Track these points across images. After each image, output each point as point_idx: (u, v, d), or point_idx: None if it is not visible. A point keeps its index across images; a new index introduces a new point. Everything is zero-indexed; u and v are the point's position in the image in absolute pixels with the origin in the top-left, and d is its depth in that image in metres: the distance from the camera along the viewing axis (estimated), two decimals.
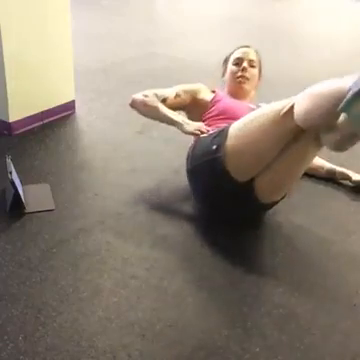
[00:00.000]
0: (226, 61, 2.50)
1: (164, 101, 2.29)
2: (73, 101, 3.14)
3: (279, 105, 1.86)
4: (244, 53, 2.44)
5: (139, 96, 2.28)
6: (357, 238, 2.08)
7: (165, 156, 2.65)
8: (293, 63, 4.32)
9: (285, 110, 1.82)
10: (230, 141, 1.94)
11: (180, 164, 2.28)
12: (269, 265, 1.88)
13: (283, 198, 2.08)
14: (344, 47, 5.03)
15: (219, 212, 2.13)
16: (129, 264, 1.83)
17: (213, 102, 2.34)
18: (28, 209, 2.09)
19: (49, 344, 1.47)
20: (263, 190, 1.96)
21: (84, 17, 5.53)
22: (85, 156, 2.66)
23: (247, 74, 2.39)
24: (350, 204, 2.31)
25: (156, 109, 2.24)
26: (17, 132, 2.81)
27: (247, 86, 2.41)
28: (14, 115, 2.78)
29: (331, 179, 2.45)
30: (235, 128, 1.96)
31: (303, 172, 2.02)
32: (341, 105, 1.57)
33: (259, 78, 2.48)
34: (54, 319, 1.56)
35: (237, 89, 2.42)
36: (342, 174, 2.45)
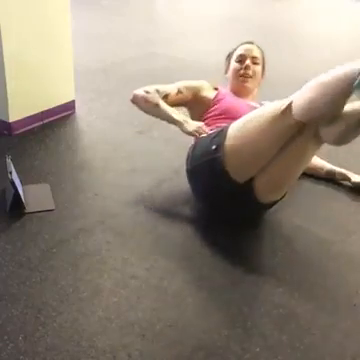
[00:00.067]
0: (229, 57, 2.47)
1: (166, 97, 2.28)
2: (73, 101, 3.14)
3: (277, 104, 1.87)
4: (247, 50, 2.41)
5: (140, 92, 2.27)
6: (357, 238, 2.08)
7: (165, 156, 2.65)
8: (293, 63, 4.32)
9: (283, 108, 1.82)
10: (229, 141, 1.94)
11: (180, 164, 2.28)
12: (269, 265, 1.88)
13: (283, 198, 2.08)
14: (344, 47, 5.03)
15: (219, 212, 2.13)
16: (129, 264, 1.83)
17: (215, 101, 2.33)
18: (28, 209, 2.09)
19: (49, 344, 1.47)
20: (262, 190, 1.96)
21: (84, 17, 5.53)
22: (85, 156, 2.66)
23: (250, 72, 2.37)
24: (350, 204, 2.31)
25: (157, 106, 2.23)
26: (17, 132, 2.81)
27: (250, 84, 2.39)
28: (14, 115, 2.78)
29: (331, 180, 2.45)
30: (234, 128, 1.96)
31: (302, 172, 2.02)
32: (355, 83, 1.57)
33: (262, 75, 2.46)
34: (54, 319, 1.56)
35: (240, 87, 2.40)
36: (342, 175, 2.45)
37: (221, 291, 1.74)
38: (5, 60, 2.63)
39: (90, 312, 1.60)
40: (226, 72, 2.48)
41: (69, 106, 3.10)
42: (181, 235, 2.01)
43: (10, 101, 2.73)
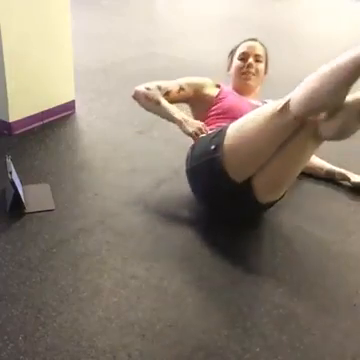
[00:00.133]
0: (232, 54, 2.45)
1: (167, 94, 2.27)
2: (73, 101, 3.14)
3: (275, 103, 1.87)
4: (250, 47, 2.39)
5: (141, 88, 2.27)
6: (357, 238, 2.08)
7: (165, 156, 2.65)
8: (293, 63, 4.32)
9: (281, 106, 1.83)
10: (228, 141, 1.94)
11: (180, 164, 2.28)
12: (269, 265, 1.88)
13: (282, 198, 2.08)
14: (344, 47, 5.01)
15: (219, 212, 2.13)
16: (129, 264, 1.83)
17: (217, 99, 2.32)
18: (28, 209, 2.09)
19: (49, 344, 1.47)
20: (261, 189, 1.96)
21: (84, 17, 5.54)
22: (85, 156, 2.66)
23: (252, 70, 2.35)
24: (350, 204, 2.31)
25: (157, 104, 2.23)
26: (17, 132, 2.81)
27: (252, 82, 2.38)
28: (14, 115, 2.78)
29: (331, 180, 2.45)
30: (233, 128, 1.96)
31: (300, 171, 2.02)
32: None
33: (266, 72, 2.44)
34: (54, 319, 1.56)
35: (242, 85, 2.39)
36: (341, 175, 2.45)
37: (221, 291, 1.74)
38: (5, 60, 2.63)
39: (90, 312, 1.60)
40: (228, 69, 2.47)
41: (69, 106, 3.10)
42: (181, 235, 2.01)
43: (10, 101, 2.73)
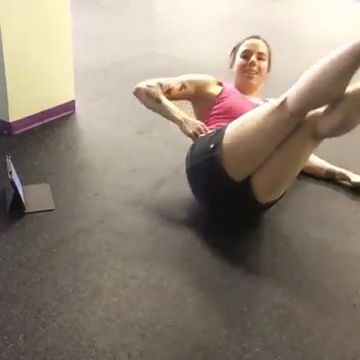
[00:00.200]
0: (234, 51, 2.44)
1: (169, 92, 2.27)
2: (73, 101, 3.14)
3: (274, 101, 1.88)
4: (253, 45, 2.37)
5: (143, 85, 2.27)
6: (357, 238, 2.08)
7: (165, 156, 2.65)
8: (293, 63, 4.32)
9: (278, 103, 1.83)
10: (226, 140, 1.94)
11: (180, 164, 2.27)
12: (269, 265, 1.88)
13: (281, 198, 2.08)
14: None
15: (219, 211, 2.13)
16: (129, 264, 1.83)
17: (219, 98, 2.32)
18: (28, 209, 2.09)
19: (49, 344, 1.47)
20: (260, 189, 1.95)
21: (84, 17, 5.54)
22: (85, 156, 2.66)
23: (255, 68, 2.34)
24: (350, 204, 2.31)
25: (158, 102, 2.22)
26: (17, 132, 2.81)
27: (255, 81, 2.37)
28: (14, 115, 2.78)
29: (331, 180, 2.45)
30: (232, 127, 1.96)
31: (299, 171, 2.02)
32: None
33: (268, 69, 2.43)
34: (54, 319, 1.56)
35: (244, 83, 2.38)
36: (341, 175, 2.45)
37: (221, 291, 1.74)
38: (5, 60, 2.63)
39: (90, 312, 1.60)
40: (231, 67, 2.45)
41: (69, 106, 3.10)
42: (181, 235, 2.01)
43: (10, 101, 2.73)
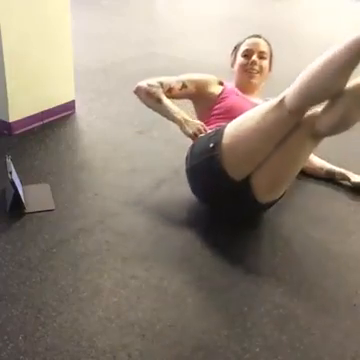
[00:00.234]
0: (236, 50, 2.43)
1: (169, 91, 2.26)
2: (73, 101, 3.14)
3: (272, 100, 1.88)
4: (254, 44, 2.37)
5: (144, 84, 2.26)
6: (357, 238, 2.08)
7: (165, 156, 2.65)
8: (293, 63, 4.32)
9: (276, 102, 1.84)
10: (226, 140, 1.94)
11: (180, 164, 2.28)
12: (269, 265, 1.88)
13: (281, 198, 2.08)
14: None
15: (219, 211, 2.13)
16: (129, 264, 1.83)
17: (220, 98, 2.31)
18: (28, 209, 2.09)
19: (49, 344, 1.47)
20: (260, 188, 1.95)
21: (84, 17, 5.54)
22: (85, 156, 2.66)
23: (256, 67, 2.34)
24: (350, 204, 2.31)
25: (159, 101, 2.22)
26: (17, 132, 2.81)
27: (256, 80, 2.36)
28: (14, 115, 2.78)
29: (331, 180, 2.45)
30: (231, 127, 1.96)
31: (299, 171, 2.01)
32: None
33: (270, 68, 2.43)
34: (54, 319, 1.56)
35: (245, 83, 2.38)
36: (341, 175, 2.44)
37: (221, 291, 1.74)
38: (5, 60, 2.63)
39: (90, 312, 1.60)
40: (232, 66, 2.45)
41: (69, 106, 3.10)
42: (181, 235, 2.01)
43: (10, 101, 2.73)
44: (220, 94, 2.33)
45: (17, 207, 2.07)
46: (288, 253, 1.96)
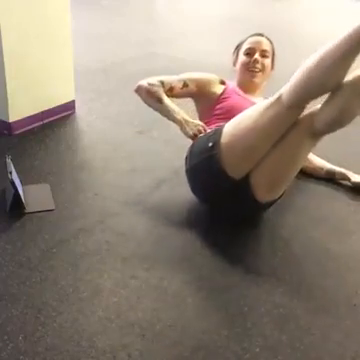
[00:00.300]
0: (237, 48, 2.42)
1: (170, 90, 2.26)
2: (73, 101, 3.14)
3: (270, 98, 1.89)
4: (256, 43, 2.36)
5: (144, 83, 2.26)
6: (357, 238, 2.08)
7: (165, 156, 2.65)
8: (293, 63, 4.32)
9: (274, 99, 1.84)
10: (224, 139, 1.94)
11: (180, 164, 2.28)
12: (269, 265, 1.88)
13: (280, 198, 2.07)
14: None
15: (218, 211, 2.13)
16: (129, 264, 1.83)
17: (222, 98, 2.31)
18: (28, 209, 2.09)
19: (49, 344, 1.47)
20: (259, 187, 1.95)
21: (84, 17, 5.54)
22: (85, 156, 2.66)
23: (258, 65, 2.32)
24: (350, 204, 2.31)
25: (159, 101, 2.22)
26: (17, 132, 2.81)
27: (258, 79, 2.35)
28: (14, 115, 2.78)
29: (331, 179, 2.45)
30: (230, 126, 1.97)
31: (298, 170, 2.01)
32: None
33: (272, 67, 2.42)
34: (54, 319, 1.56)
35: (247, 82, 2.36)
36: (341, 175, 2.45)
37: (221, 291, 1.74)
38: (5, 60, 2.63)
39: (90, 312, 1.60)
40: (234, 64, 2.44)
41: (69, 106, 3.10)
42: (181, 235, 2.01)
43: (10, 101, 2.73)
44: (221, 94, 2.33)
45: (17, 207, 2.07)
46: (288, 253, 1.96)
